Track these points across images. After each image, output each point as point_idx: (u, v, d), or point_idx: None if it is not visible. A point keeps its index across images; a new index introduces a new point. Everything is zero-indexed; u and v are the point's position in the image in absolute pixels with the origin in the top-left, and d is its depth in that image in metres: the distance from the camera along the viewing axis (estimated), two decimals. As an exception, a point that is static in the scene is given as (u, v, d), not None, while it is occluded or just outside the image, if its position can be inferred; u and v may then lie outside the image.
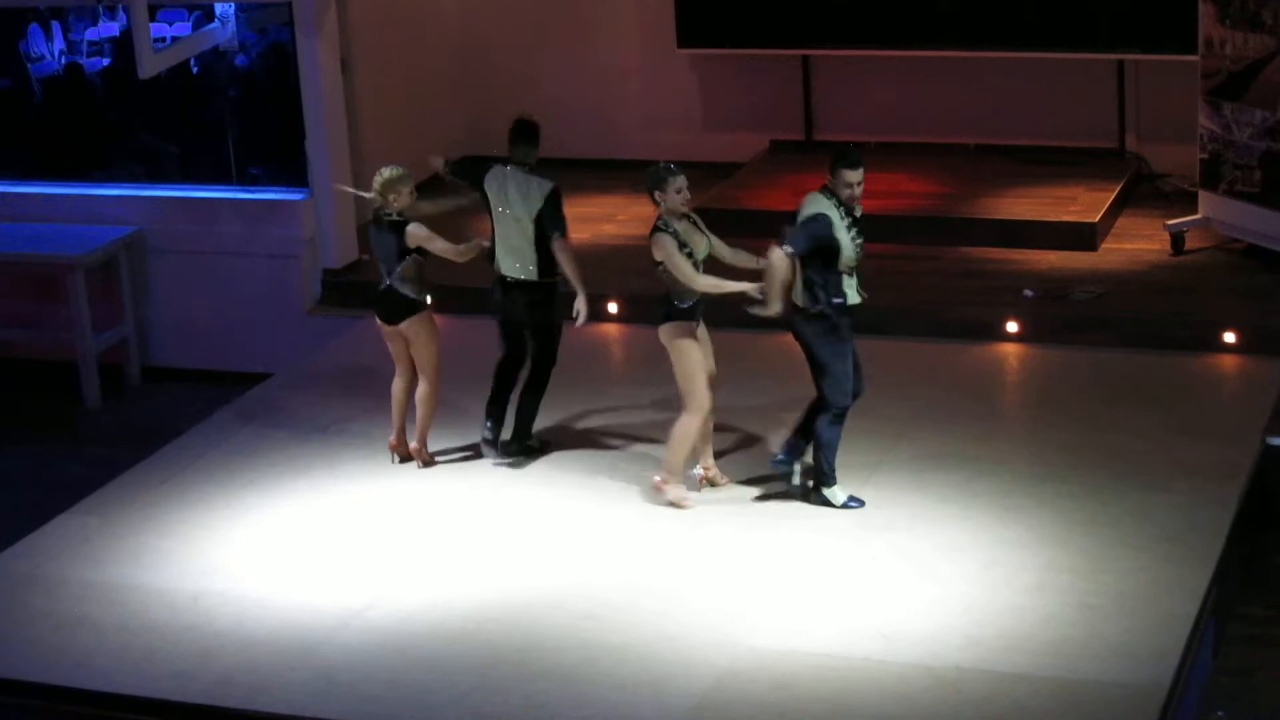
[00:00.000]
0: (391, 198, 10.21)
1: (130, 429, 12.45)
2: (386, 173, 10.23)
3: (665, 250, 9.60)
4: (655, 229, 9.66)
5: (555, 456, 10.60)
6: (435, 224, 10.43)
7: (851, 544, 9.48)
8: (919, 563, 9.25)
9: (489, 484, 10.38)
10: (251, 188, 13.54)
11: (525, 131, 10.29)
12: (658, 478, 10.00)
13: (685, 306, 9.70)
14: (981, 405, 11.07)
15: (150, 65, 12.52)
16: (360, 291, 13.00)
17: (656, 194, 9.61)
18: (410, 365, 10.51)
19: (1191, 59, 12.44)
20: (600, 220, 13.72)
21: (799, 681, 8.32)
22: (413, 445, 10.58)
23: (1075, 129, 14.07)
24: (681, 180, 9.60)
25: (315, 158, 13.13)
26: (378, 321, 10.49)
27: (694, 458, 10.04)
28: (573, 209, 13.56)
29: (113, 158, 14.05)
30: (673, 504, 9.92)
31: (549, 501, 10.17)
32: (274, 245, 13.17)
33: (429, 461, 10.58)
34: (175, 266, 13.40)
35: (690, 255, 9.64)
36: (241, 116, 13.79)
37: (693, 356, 9.73)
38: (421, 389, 10.46)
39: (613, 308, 12.48)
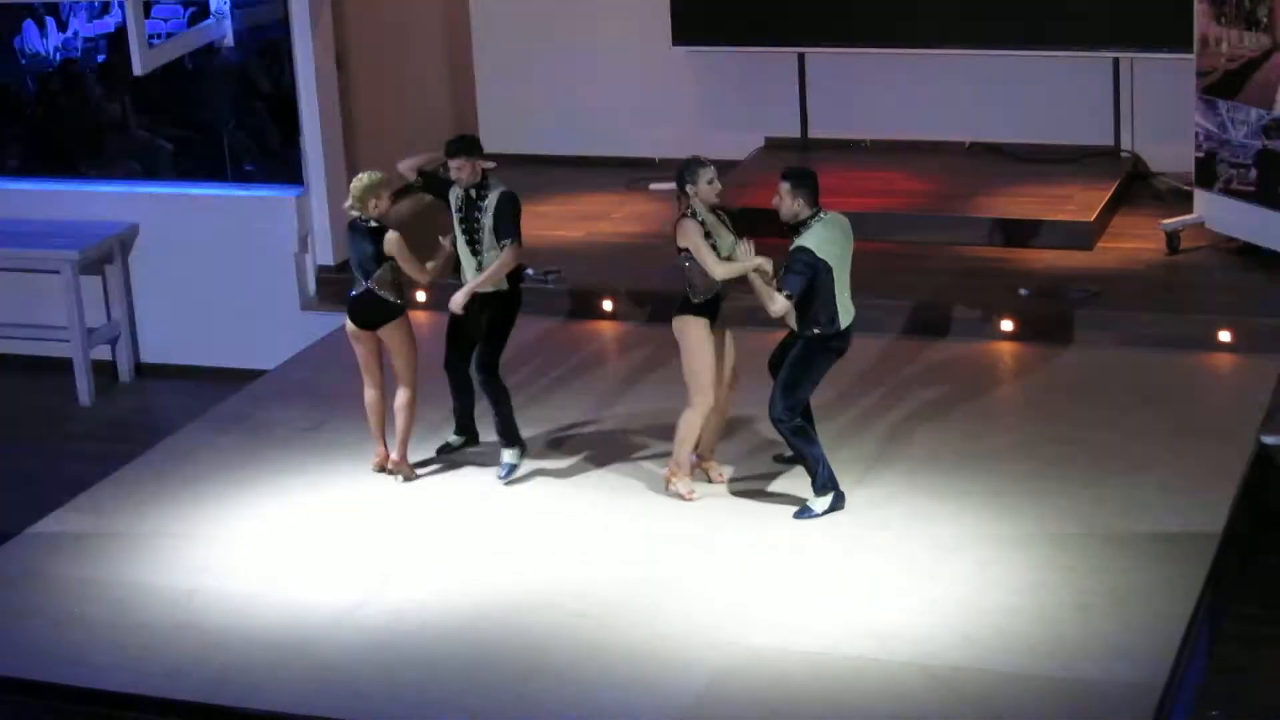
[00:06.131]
0: (372, 204, 10.16)
1: (123, 426, 12.43)
2: (365, 179, 10.15)
3: (690, 235, 9.58)
4: (682, 216, 9.66)
5: (549, 454, 10.58)
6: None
7: (846, 542, 9.48)
8: (914, 561, 9.25)
9: (482, 482, 10.36)
10: (246, 185, 13.52)
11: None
12: (665, 470, 10.02)
13: (698, 301, 9.71)
14: (976, 403, 11.06)
15: (146, 61, 12.50)
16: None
17: (689, 186, 9.60)
18: (380, 372, 10.39)
19: (1187, 57, 12.44)
20: (595, 218, 13.70)
21: (793, 680, 8.31)
22: (394, 458, 10.42)
23: (1071, 127, 14.04)
24: (713, 171, 9.62)
25: (310, 155, 13.11)
26: (350, 326, 10.38)
27: (695, 450, 10.05)
28: (567, 206, 13.62)
29: (107, 154, 14.02)
30: (680, 496, 9.94)
31: (542, 500, 10.15)
32: (268, 242, 13.14)
33: (411, 475, 10.45)
34: (169, 263, 13.37)
35: (714, 247, 9.64)
36: (236, 114, 13.77)
37: (701, 352, 9.72)
38: (402, 396, 10.31)
39: (608, 305, 12.47)
